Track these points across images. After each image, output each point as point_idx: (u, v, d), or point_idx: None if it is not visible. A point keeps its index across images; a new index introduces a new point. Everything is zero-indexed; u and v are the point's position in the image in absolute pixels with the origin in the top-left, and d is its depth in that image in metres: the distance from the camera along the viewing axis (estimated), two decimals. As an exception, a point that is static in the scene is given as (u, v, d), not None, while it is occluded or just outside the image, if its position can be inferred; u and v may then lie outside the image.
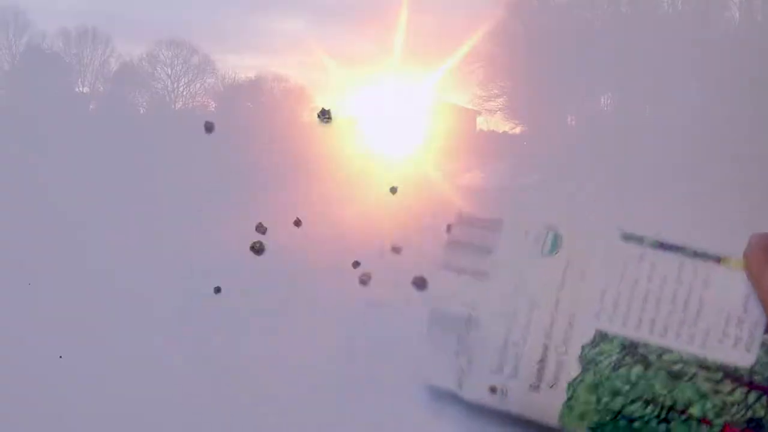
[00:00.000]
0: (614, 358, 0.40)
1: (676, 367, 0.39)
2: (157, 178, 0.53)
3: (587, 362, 0.40)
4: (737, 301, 0.39)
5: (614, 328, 0.40)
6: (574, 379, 0.41)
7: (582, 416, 0.41)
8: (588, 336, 0.40)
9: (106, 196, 0.52)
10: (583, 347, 0.40)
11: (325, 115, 0.53)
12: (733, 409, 0.39)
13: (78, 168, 0.52)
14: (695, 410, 0.39)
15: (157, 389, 0.51)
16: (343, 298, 0.51)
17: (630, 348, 0.40)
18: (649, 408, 0.40)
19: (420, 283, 0.50)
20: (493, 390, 0.42)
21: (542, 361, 0.41)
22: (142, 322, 0.52)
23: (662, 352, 0.39)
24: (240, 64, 0.53)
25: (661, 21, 0.54)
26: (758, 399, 0.38)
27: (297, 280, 0.52)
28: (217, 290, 0.51)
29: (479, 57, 0.53)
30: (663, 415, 0.40)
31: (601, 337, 0.40)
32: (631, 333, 0.40)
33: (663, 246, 0.41)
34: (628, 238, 0.41)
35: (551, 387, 0.41)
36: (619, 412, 0.40)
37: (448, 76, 0.53)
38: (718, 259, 0.40)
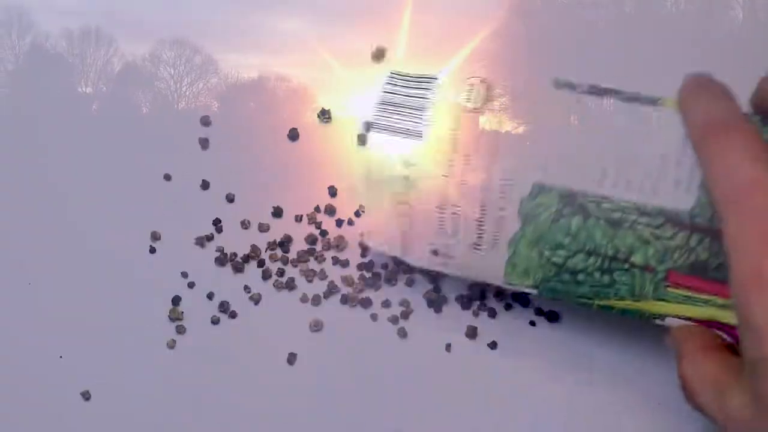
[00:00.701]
0: (553, 210, 0.38)
1: (616, 215, 0.38)
2: (158, 177, 0.53)
3: (526, 217, 0.39)
4: (675, 143, 0.38)
5: (551, 179, 0.38)
6: (515, 235, 0.39)
7: (526, 272, 0.40)
8: (526, 190, 0.39)
9: (108, 196, 0.52)
10: (521, 201, 0.39)
11: (324, 115, 0.53)
12: (676, 254, 0.37)
13: (81, 168, 0.52)
14: (638, 258, 0.38)
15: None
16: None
17: (569, 198, 0.38)
18: (591, 259, 0.38)
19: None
20: (434, 253, 0.41)
21: (481, 220, 0.39)
22: (145, 323, 0.52)
23: (601, 200, 0.38)
24: (242, 64, 0.53)
25: (664, 21, 0.54)
26: (700, 242, 0.37)
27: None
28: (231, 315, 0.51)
29: (482, 56, 0.53)
30: (606, 266, 0.38)
31: (539, 190, 0.38)
32: (568, 183, 0.38)
33: (597, 90, 0.39)
34: (560, 84, 0.40)
35: (493, 246, 0.39)
36: (562, 265, 0.39)
37: (450, 75, 0.53)
38: (655, 101, 0.39)
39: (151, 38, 0.53)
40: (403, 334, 0.50)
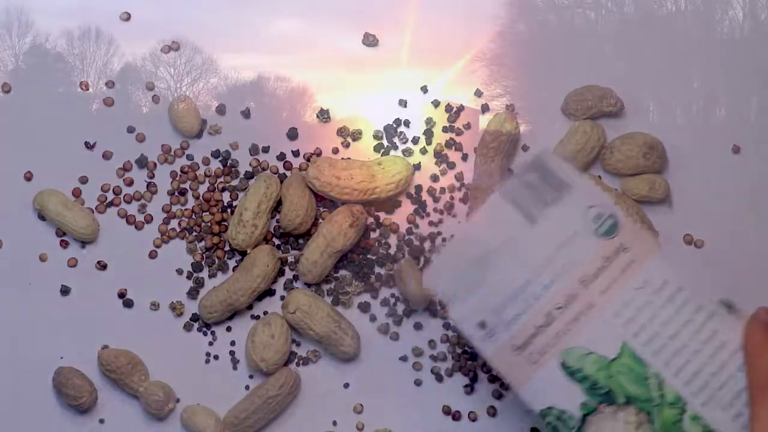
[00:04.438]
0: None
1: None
2: (158, 177, 0.53)
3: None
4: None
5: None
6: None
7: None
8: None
9: (109, 195, 0.52)
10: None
11: (324, 115, 0.53)
12: None
13: (81, 168, 0.52)
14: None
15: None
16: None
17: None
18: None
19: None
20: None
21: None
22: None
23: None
24: (242, 64, 0.53)
25: (665, 21, 0.54)
26: None
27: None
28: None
29: (482, 56, 0.53)
30: None
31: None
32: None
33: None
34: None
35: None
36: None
37: (451, 75, 0.53)
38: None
39: (151, 38, 0.53)
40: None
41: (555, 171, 0.40)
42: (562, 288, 0.39)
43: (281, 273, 0.51)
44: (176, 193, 0.52)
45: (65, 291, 0.52)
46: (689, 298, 0.38)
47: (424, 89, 0.53)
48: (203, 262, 0.52)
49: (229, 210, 0.52)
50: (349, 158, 0.52)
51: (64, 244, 0.52)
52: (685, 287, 0.38)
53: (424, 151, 0.52)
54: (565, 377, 0.38)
